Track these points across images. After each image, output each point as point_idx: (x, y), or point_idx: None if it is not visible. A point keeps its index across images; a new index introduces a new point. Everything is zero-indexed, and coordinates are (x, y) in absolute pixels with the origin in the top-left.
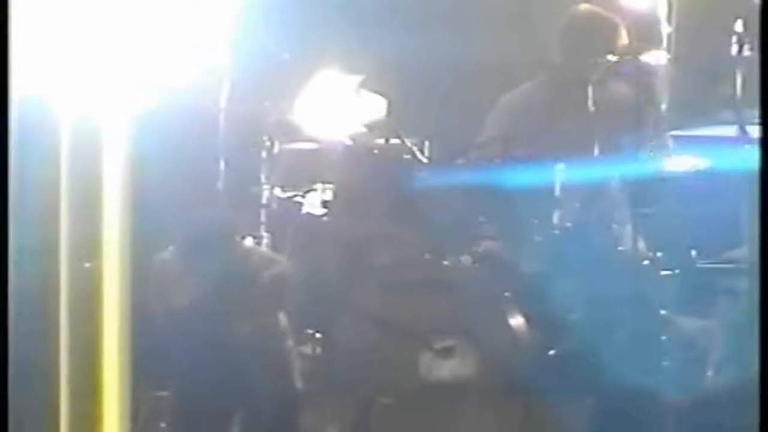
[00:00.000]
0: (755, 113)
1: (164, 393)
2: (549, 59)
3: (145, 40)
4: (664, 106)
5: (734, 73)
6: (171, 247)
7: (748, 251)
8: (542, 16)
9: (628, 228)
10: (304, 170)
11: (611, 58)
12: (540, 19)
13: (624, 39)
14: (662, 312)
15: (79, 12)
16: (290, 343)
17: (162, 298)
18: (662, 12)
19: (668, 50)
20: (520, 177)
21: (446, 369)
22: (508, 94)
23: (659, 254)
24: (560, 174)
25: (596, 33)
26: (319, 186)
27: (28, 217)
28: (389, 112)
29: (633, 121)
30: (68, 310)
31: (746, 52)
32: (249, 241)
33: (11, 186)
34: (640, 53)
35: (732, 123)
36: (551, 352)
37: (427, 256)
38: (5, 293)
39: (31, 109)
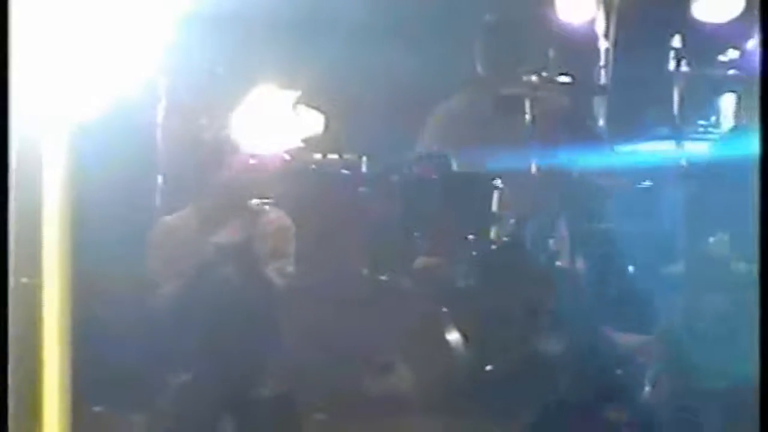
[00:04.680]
0: (693, 128)
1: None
2: (476, 72)
3: (83, 57)
4: (601, 121)
5: (672, 88)
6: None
7: (684, 266)
8: (477, 29)
9: (566, 242)
10: (241, 186)
11: (539, 71)
12: (474, 33)
13: (551, 52)
14: (599, 326)
15: (20, 32)
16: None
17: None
18: (600, 27)
19: (606, 65)
20: (456, 192)
21: (384, 385)
22: (439, 106)
23: (596, 268)
24: (498, 188)
25: (513, 44)
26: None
27: None
28: (327, 128)
29: (570, 135)
30: (10, 325)
31: (683, 68)
32: None
33: None
34: (575, 67)
35: (670, 138)
36: (488, 368)
37: (364, 271)
38: (5, 293)
39: None
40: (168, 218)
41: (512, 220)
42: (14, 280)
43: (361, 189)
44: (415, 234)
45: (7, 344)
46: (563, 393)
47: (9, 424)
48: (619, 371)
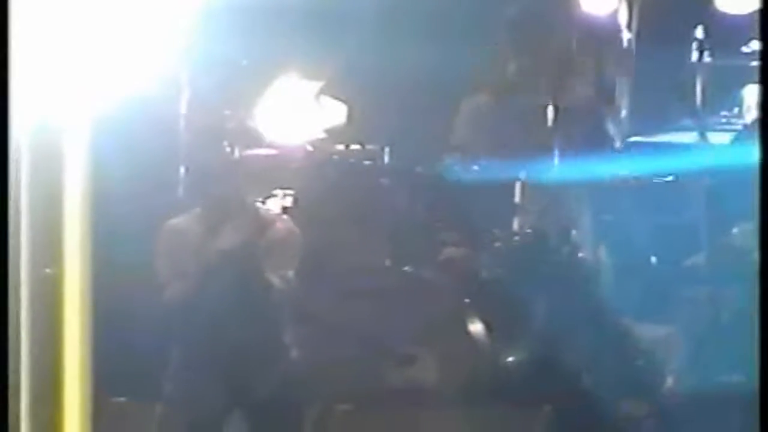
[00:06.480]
0: (715, 119)
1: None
2: (501, 66)
3: (105, 48)
4: (624, 112)
5: (694, 80)
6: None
7: (706, 258)
8: (501, 23)
9: (589, 234)
10: (264, 176)
11: (563, 62)
12: (500, 27)
13: (574, 44)
14: (621, 318)
15: (39, 20)
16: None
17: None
18: (623, 19)
19: (629, 57)
20: (481, 183)
21: (406, 376)
22: (470, 98)
23: (619, 260)
24: (521, 180)
25: (536, 36)
26: (279, 192)
27: None
28: (349, 119)
29: (593, 127)
30: (29, 316)
31: (706, 59)
32: None
33: None
34: (599, 60)
35: (692, 129)
36: (510, 359)
37: (387, 263)
38: (5, 293)
39: None
40: (173, 221)
41: (535, 212)
42: (36, 270)
43: (383, 180)
44: (438, 225)
45: (8, 343)
46: (585, 385)
47: (30, 417)
48: (640, 363)
